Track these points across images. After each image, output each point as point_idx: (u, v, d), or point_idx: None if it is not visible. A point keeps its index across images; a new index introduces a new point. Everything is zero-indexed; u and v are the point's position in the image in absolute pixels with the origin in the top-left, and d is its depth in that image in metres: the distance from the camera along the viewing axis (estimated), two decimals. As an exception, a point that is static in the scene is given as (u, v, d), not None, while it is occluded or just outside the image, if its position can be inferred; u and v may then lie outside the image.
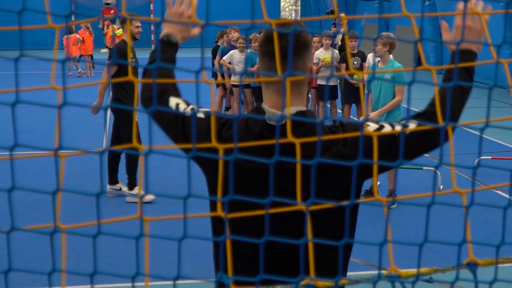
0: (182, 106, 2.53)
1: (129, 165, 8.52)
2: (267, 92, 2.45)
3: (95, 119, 13.90)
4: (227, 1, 34.94)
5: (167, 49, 2.71)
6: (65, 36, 22.18)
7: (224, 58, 13.14)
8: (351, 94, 12.57)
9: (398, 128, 2.33)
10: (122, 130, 8.45)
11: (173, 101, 2.56)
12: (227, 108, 14.34)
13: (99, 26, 25.87)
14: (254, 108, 2.45)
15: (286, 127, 2.29)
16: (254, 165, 2.24)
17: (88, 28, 22.86)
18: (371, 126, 2.37)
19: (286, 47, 2.32)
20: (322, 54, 12.75)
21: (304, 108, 2.42)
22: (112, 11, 30.68)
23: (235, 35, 13.64)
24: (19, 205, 8.13)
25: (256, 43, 12.83)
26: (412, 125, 2.34)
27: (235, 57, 13.04)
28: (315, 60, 12.68)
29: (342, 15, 16.11)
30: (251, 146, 2.26)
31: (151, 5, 34.25)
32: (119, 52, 8.18)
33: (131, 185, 8.53)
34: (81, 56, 22.35)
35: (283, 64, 2.34)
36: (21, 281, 6.03)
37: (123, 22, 8.60)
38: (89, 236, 1.44)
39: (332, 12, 15.58)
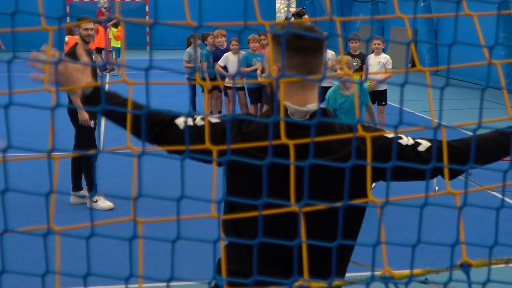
0: (191, 120, 2.50)
1: (85, 168, 8.41)
2: (290, 89, 2.47)
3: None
4: (220, 2, 34.92)
5: (108, 100, 2.43)
6: (67, 37, 22.08)
7: (219, 62, 13.11)
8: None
9: (410, 141, 2.55)
10: (77, 132, 8.36)
11: (180, 121, 2.53)
12: (219, 112, 14.31)
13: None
14: (273, 105, 2.47)
15: (307, 126, 2.40)
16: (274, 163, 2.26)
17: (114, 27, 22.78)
18: (403, 139, 2.57)
19: (311, 46, 2.43)
20: (332, 57, 12.79)
21: (322, 106, 2.52)
22: (107, 12, 30.64)
23: (222, 40, 13.64)
24: (14, 207, 8.11)
25: (254, 44, 12.96)
26: (425, 144, 2.55)
27: (230, 59, 13.04)
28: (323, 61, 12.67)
29: (306, 17, 16.15)
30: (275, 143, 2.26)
31: (146, 7, 34.25)
32: (72, 56, 8.12)
33: (77, 188, 8.53)
34: None
35: (312, 60, 2.44)
36: (16, 283, 6.02)
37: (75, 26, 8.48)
38: (82, 238, 1.44)
39: (298, 14, 15.58)
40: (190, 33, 13.90)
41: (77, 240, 6.92)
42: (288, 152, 1.92)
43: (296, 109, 2.42)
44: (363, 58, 12.61)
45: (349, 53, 12.55)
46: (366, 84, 7.76)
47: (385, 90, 12.35)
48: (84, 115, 8.11)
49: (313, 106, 2.44)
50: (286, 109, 2.43)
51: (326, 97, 8.26)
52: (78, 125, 8.26)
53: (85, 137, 8.21)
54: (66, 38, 22.16)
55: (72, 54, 8.09)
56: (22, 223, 7.60)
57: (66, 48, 22.02)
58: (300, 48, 2.42)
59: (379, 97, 12.43)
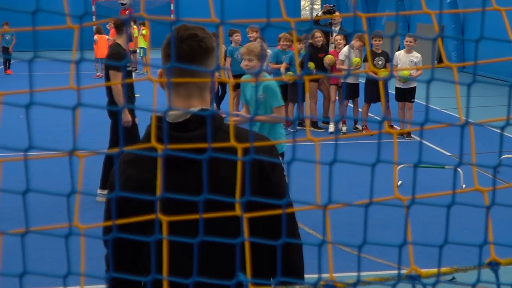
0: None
1: (106, 166, 8.49)
2: (173, 98, 2.41)
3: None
4: (245, 0, 34.95)
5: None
6: (96, 36, 22.11)
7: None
8: (373, 92, 12.50)
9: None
10: (115, 131, 8.44)
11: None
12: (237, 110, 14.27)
13: (107, 26, 25.91)
14: (152, 120, 2.40)
15: (191, 126, 2.31)
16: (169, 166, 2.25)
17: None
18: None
19: (188, 52, 2.35)
20: (348, 53, 12.72)
21: (208, 108, 2.44)
22: (128, 11, 30.72)
23: (253, 34, 13.64)
24: (38, 206, 8.17)
25: (285, 42, 12.93)
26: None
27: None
28: (341, 57, 12.63)
29: (337, 13, 16.07)
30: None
31: (171, 6, 34.35)
32: (116, 56, 8.16)
33: (103, 184, 8.56)
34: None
35: (184, 69, 2.36)
36: (41, 280, 6.06)
37: (121, 25, 8.48)
38: (100, 238, 1.43)
39: (329, 11, 15.52)
40: (212, 32, 13.89)
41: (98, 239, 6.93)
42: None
43: (176, 114, 2.33)
44: (386, 56, 12.52)
45: (371, 51, 12.48)
46: (274, 83, 6.88)
47: (415, 87, 12.25)
48: (127, 117, 8.21)
49: (196, 109, 2.37)
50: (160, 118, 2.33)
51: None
52: (117, 124, 8.37)
53: (126, 136, 8.31)
54: (95, 37, 22.19)
55: (117, 55, 8.15)
56: (48, 221, 7.65)
57: (96, 48, 22.10)
58: (170, 55, 2.39)
59: (408, 94, 12.34)
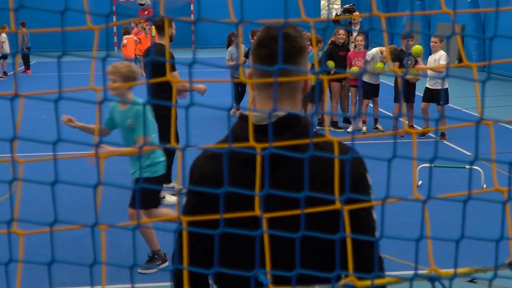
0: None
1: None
2: (259, 99, 2.34)
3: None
4: (265, 0, 34.97)
5: None
6: (125, 39, 22.03)
7: None
8: (405, 91, 12.36)
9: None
10: (160, 128, 8.55)
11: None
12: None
13: (132, 25, 25.98)
14: (238, 117, 2.32)
15: (276, 130, 2.19)
16: (247, 167, 2.18)
17: (144, 29, 22.75)
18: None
19: (281, 52, 2.23)
20: (378, 56, 12.69)
21: (297, 112, 2.30)
22: (146, 12, 30.78)
23: None
24: (59, 209, 8.24)
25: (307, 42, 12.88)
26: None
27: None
28: (367, 58, 12.61)
29: (357, 13, 16.02)
30: (242, 153, 2.14)
31: (191, 6, 34.43)
32: (160, 54, 8.28)
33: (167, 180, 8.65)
34: (136, 57, 22.17)
35: (274, 71, 2.20)
36: (65, 279, 6.11)
37: (161, 29, 8.64)
38: (128, 229, 1.45)
39: (348, 10, 15.47)
40: (231, 31, 13.93)
41: (123, 236, 7.00)
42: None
43: (261, 116, 2.23)
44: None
45: (401, 51, 12.43)
46: (148, 108, 6.16)
47: (446, 89, 12.04)
48: (198, 86, 8.70)
49: (283, 112, 2.24)
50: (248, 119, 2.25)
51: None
52: (161, 120, 8.48)
53: (166, 131, 8.40)
54: (125, 40, 22.09)
55: (159, 53, 8.28)
56: (71, 219, 7.70)
57: (124, 50, 22.11)
58: (260, 56, 2.29)
59: (436, 96, 12.16)
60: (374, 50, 12.70)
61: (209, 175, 2.33)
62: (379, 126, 13.40)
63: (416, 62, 12.37)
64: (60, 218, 7.56)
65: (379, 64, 12.53)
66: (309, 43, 13.05)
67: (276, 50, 2.24)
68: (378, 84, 12.93)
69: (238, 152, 2.13)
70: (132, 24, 23.40)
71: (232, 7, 1.56)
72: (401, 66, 12.23)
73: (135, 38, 22.25)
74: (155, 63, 8.19)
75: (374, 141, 11.79)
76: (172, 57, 8.08)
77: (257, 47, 2.30)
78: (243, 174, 2.21)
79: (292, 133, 2.22)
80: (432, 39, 12.18)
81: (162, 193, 8.64)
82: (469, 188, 1.51)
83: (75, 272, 6.18)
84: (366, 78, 12.67)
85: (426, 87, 12.23)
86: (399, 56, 12.45)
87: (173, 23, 8.58)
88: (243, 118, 2.28)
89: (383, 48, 12.43)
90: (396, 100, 12.80)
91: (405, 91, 12.29)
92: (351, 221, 2.07)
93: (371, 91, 12.80)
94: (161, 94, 8.44)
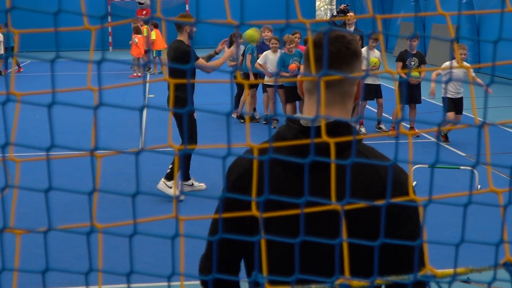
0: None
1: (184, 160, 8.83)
2: (310, 103, 2.26)
3: (131, 120, 14.01)
4: (261, 1, 34.96)
5: None
6: (135, 37, 22.04)
7: (258, 60, 13.13)
8: (408, 93, 12.27)
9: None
10: (180, 128, 8.69)
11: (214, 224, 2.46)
12: (254, 109, 14.27)
13: (132, 27, 25.91)
14: (286, 119, 2.28)
15: (321, 132, 2.12)
16: (289, 168, 2.19)
17: (155, 28, 22.75)
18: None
19: (335, 54, 2.16)
20: (366, 54, 12.67)
21: (348, 117, 2.24)
22: (145, 11, 30.72)
23: (268, 34, 13.68)
24: (56, 206, 8.22)
25: (291, 45, 12.93)
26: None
27: (269, 57, 13.05)
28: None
29: (351, 14, 16.03)
30: (285, 150, 2.15)
31: (187, 6, 34.41)
32: (181, 52, 8.46)
33: (169, 176, 8.69)
34: (146, 53, 22.27)
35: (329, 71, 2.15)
36: (59, 280, 6.10)
37: (179, 26, 8.81)
38: (125, 236, 1.45)
39: (343, 11, 15.51)
40: (232, 32, 13.95)
41: (120, 237, 6.99)
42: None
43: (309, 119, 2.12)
44: (421, 57, 12.43)
45: (405, 51, 12.42)
46: None
47: (461, 98, 11.82)
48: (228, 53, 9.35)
49: (331, 118, 2.15)
50: (297, 121, 2.20)
51: None
52: (180, 121, 8.60)
53: (191, 129, 8.70)
54: (136, 38, 22.09)
55: (177, 49, 8.55)
56: (64, 221, 7.70)
57: (135, 49, 22.12)
58: (317, 57, 2.19)
59: (458, 104, 11.90)
60: (364, 50, 12.69)
61: (249, 169, 2.30)
62: (382, 126, 13.35)
63: (420, 63, 12.31)
64: (55, 216, 7.55)
65: (374, 59, 12.48)
66: (294, 45, 13.04)
67: (332, 51, 2.17)
68: (379, 85, 12.85)
69: (282, 152, 2.16)
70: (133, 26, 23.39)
71: (229, 7, 1.56)
72: (404, 66, 12.21)
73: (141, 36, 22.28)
74: (173, 59, 8.42)
75: (373, 142, 11.79)
76: (188, 53, 8.28)
77: (312, 49, 2.19)
78: (284, 175, 2.21)
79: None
80: (461, 51, 11.64)
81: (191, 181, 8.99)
82: (470, 190, 1.51)
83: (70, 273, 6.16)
84: (368, 80, 12.62)
85: (449, 97, 11.85)
86: (402, 57, 12.42)
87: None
88: (292, 120, 2.21)
89: (370, 44, 12.37)
90: (400, 101, 12.66)
91: (408, 93, 12.22)
92: (396, 229, 2.11)
93: (372, 92, 12.70)
94: (177, 93, 8.55)
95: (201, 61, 8.80)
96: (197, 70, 9.16)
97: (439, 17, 24.49)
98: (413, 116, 12.59)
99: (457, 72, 11.84)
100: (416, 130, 12.11)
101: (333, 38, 2.19)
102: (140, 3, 30.99)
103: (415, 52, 12.38)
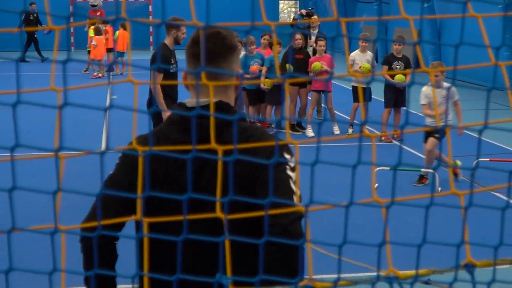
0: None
1: None
2: (192, 95, 2.52)
3: (94, 121, 13.89)
4: (227, 2, 34.91)
5: None
6: (95, 40, 21.65)
7: None
8: (392, 97, 12.27)
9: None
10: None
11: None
12: None
13: (85, 29, 25.53)
14: (176, 104, 2.55)
15: (206, 115, 2.29)
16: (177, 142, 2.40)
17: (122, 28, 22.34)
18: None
19: (212, 49, 2.41)
20: (358, 57, 12.66)
21: (229, 102, 2.50)
22: (99, 13, 30.31)
23: (265, 37, 13.65)
24: (19, 206, 8.11)
25: (251, 46, 12.92)
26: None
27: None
28: (350, 62, 12.47)
29: (315, 17, 16.13)
30: (173, 137, 2.40)
31: (150, 7, 34.22)
32: (159, 56, 8.32)
33: None
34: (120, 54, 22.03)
35: (208, 66, 2.41)
36: (20, 282, 6.03)
37: (169, 27, 8.56)
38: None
39: (308, 14, 15.61)
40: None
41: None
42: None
43: (193, 102, 2.46)
44: (406, 61, 12.45)
45: (392, 55, 12.45)
46: None
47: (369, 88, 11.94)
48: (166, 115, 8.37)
49: (213, 100, 2.43)
50: (184, 105, 2.48)
51: None
52: (156, 123, 8.46)
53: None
54: (94, 42, 21.67)
55: (160, 56, 8.30)
56: (30, 221, 7.61)
57: (95, 50, 21.77)
58: (195, 54, 2.44)
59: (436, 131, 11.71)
60: (354, 53, 12.71)
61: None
62: (370, 128, 13.38)
63: (406, 67, 12.31)
64: (26, 216, 7.45)
65: (366, 65, 12.44)
66: (255, 47, 13.02)
67: (208, 47, 2.39)
68: (369, 88, 12.81)
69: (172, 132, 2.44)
70: (85, 29, 23.02)
71: (195, 9, 1.57)
72: (390, 70, 12.20)
73: (104, 38, 21.93)
74: (150, 61, 8.41)
75: (337, 144, 11.86)
76: (167, 58, 8.17)
77: (191, 46, 2.46)
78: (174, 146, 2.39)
79: (217, 119, 2.36)
80: (436, 73, 11.22)
81: None
82: (431, 192, 1.53)
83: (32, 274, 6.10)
84: (355, 82, 12.55)
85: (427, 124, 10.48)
86: (388, 61, 12.43)
87: (182, 27, 8.60)
88: (180, 104, 2.49)
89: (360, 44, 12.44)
90: (387, 105, 12.54)
91: (394, 96, 12.23)
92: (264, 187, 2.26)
93: (366, 96, 12.67)
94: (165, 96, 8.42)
95: (158, 88, 8.22)
96: (179, 73, 9.02)
97: (402, 21, 24.71)
98: (398, 120, 12.54)
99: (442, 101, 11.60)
100: (399, 133, 12.21)
101: (210, 34, 2.44)
102: (93, 5, 30.52)
103: (401, 56, 12.39)
